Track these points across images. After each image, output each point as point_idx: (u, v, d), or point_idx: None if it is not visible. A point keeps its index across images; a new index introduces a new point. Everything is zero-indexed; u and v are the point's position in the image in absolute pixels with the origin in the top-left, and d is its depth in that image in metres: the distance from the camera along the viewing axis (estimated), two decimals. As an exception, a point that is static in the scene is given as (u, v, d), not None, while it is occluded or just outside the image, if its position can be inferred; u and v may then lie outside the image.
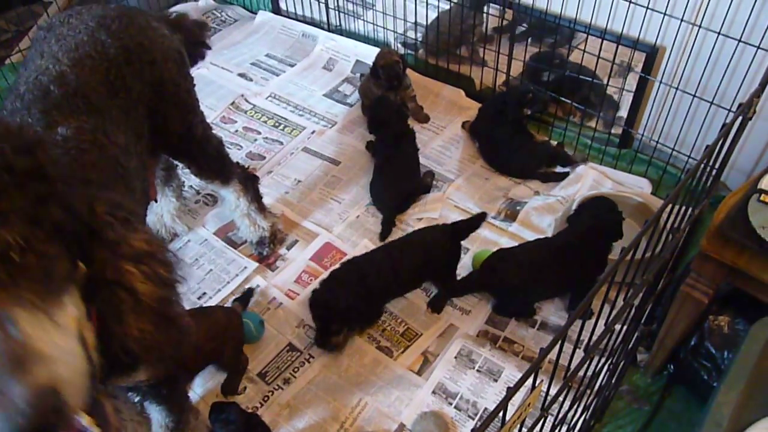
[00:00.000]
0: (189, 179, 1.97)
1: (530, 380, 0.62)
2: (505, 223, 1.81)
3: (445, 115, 2.21)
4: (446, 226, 1.57)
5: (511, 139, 1.94)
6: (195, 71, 1.39)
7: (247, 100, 2.32)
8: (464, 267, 1.68)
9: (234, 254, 1.77)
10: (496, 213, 1.84)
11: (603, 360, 0.94)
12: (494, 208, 1.85)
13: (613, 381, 1.21)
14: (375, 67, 2.08)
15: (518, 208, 1.84)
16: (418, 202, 1.87)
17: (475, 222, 1.58)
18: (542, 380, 0.67)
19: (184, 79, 1.30)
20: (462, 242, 1.63)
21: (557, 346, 0.65)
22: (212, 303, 1.62)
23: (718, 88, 1.61)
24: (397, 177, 1.85)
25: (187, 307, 1.54)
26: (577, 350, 1.16)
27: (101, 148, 0.94)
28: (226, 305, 1.58)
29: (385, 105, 1.99)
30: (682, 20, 1.61)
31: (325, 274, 1.57)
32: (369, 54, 2.42)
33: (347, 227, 1.83)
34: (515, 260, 1.53)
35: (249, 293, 1.61)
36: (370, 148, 2.05)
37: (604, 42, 1.82)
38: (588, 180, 1.88)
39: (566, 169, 1.92)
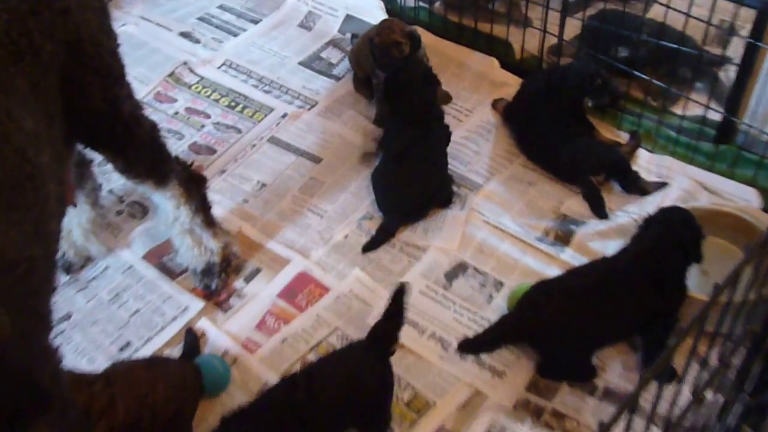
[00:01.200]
0: (108, 180, 1.99)
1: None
2: (555, 248, 1.84)
3: (472, 94, 2.25)
4: (361, 341, 1.47)
5: (561, 127, 1.99)
6: (119, 29, 1.46)
7: (191, 71, 2.37)
8: (498, 310, 1.71)
9: (170, 288, 1.79)
10: (543, 233, 1.88)
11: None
12: (540, 227, 1.89)
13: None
14: (372, 39, 2.13)
15: (574, 228, 1.88)
16: (430, 218, 1.92)
17: (394, 313, 1.43)
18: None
19: (107, 36, 1.33)
20: (495, 275, 1.65)
21: (624, 420, 0.64)
22: (140, 356, 1.64)
23: None
24: (417, 172, 1.90)
25: (106, 363, 1.55)
26: (654, 428, 1.15)
27: (1, 137, 0.95)
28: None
29: (410, 65, 2.03)
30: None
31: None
32: (365, 6, 2.48)
33: (331, 251, 1.86)
34: (564, 291, 1.55)
35: (192, 340, 1.63)
36: (380, 123, 2.11)
37: (697, -6, 1.86)
38: (674, 190, 1.92)
39: (658, 180, 1.95)
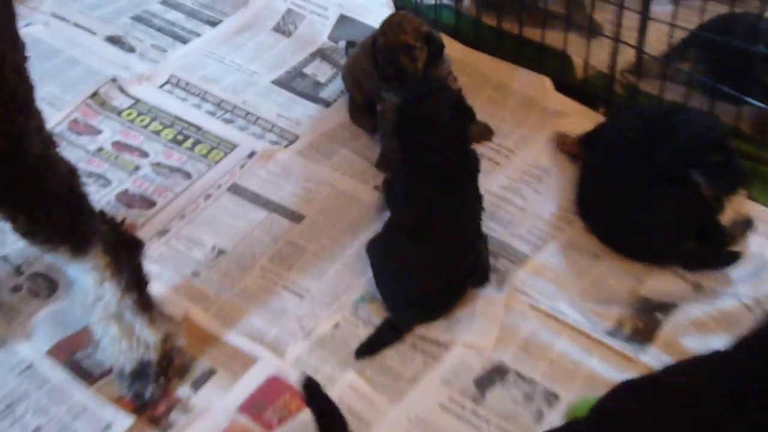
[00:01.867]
0: (2, 243, 2.03)
1: None
2: (633, 346, 1.86)
3: (515, 127, 2.31)
4: None
5: (648, 186, 2.03)
6: (25, 29, 1.50)
7: (122, 90, 2.44)
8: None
9: (86, 397, 1.79)
10: (615, 325, 1.90)
11: None
12: (611, 316, 1.91)
13: None
14: (375, 43, 2.16)
15: (659, 316, 1.91)
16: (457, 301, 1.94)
17: (325, 421, 1.48)
18: None
19: (10, 45, 1.38)
20: (547, 384, 1.67)
21: None
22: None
23: None
24: (441, 252, 1.91)
25: None
26: None
27: None
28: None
29: (435, 88, 2.05)
30: None
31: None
32: (365, 4, 2.56)
33: (315, 347, 1.88)
34: (662, 396, 1.48)
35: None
36: (386, 166, 2.14)
37: None
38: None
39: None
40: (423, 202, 1.94)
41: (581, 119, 2.35)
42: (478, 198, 2.02)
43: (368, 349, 1.87)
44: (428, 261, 1.89)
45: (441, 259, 1.89)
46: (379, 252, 1.96)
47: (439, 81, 2.11)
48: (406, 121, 2.02)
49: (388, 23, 2.14)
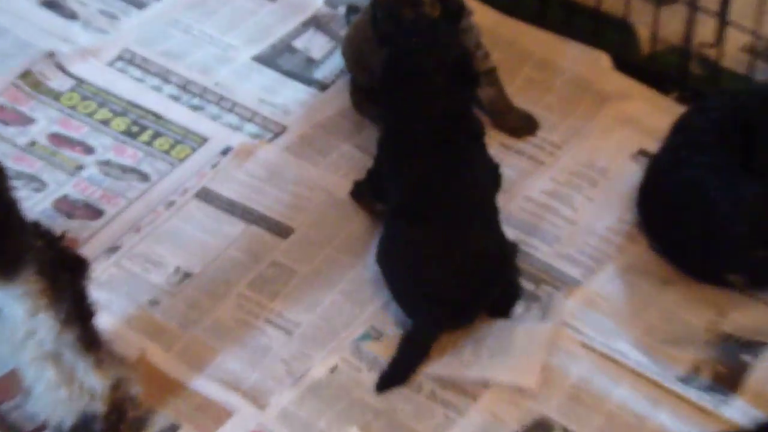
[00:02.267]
0: None
1: None
2: (713, 396, 1.86)
3: (564, 116, 2.35)
4: None
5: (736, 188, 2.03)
6: None
7: (61, 68, 2.45)
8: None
9: None
10: (690, 370, 1.91)
11: None
12: (685, 358, 1.92)
13: None
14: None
15: (747, 358, 1.92)
16: (483, 330, 1.95)
17: None
18: None
19: None
20: None
21: None
22: None
23: None
24: (454, 230, 1.94)
25: None
26: None
27: None
28: None
29: (431, 34, 2.06)
30: None
31: None
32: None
33: (306, 396, 1.88)
34: None
35: None
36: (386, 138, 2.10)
37: None
38: None
39: None
40: (416, 174, 1.98)
41: (647, 105, 2.37)
42: (489, 167, 2.05)
43: (393, 377, 1.89)
44: (437, 243, 1.92)
45: (454, 238, 1.93)
46: (384, 252, 2.00)
47: (443, 26, 2.09)
48: (392, 76, 2.04)
49: None
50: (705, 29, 2.35)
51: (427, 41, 2.04)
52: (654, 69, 2.39)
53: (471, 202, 1.98)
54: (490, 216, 2.00)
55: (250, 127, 2.35)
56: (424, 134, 2.00)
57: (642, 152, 2.29)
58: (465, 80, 2.03)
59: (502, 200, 2.09)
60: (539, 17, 2.47)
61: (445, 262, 1.92)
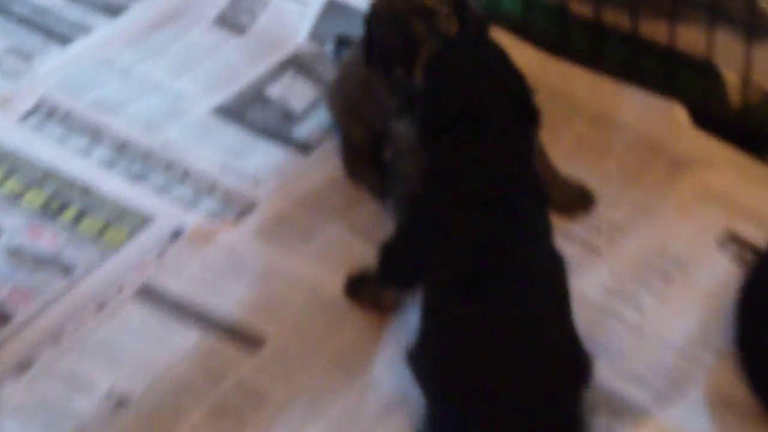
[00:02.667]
0: None
1: None
2: None
3: (626, 187, 2.15)
4: None
5: None
6: None
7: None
8: None
9: None
10: None
11: None
12: None
13: None
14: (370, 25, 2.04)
15: None
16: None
17: None
18: None
19: None
20: None
21: None
22: None
23: None
24: (518, 298, 1.74)
25: None
26: None
27: None
28: None
29: (481, 63, 1.87)
30: None
31: None
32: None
33: None
34: None
35: None
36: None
37: None
38: None
39: None
40: (471, 239, 1.77)
41: (736, 174, 2.21)
42: (549, 229, 1.86)
43: None
44: (509, 329, 1.70)
45: (528, 324, 1.72)
46: (424, 346, 1.75)
47: (491, 45, 1.93)
48: (435, 114, 1.83)
49: None
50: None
51: (482, 66, 1.86)
52: (745, 126, 2.18)
53: (541, 278, 1.77)
54: (562, 303, 1.77)
55: (209, 203, 2.15)
56: (482, 190, 1.78)
57: (731, 237, 2.09)
58: (524, 117, 1.85)
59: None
60: (594, 57, 2.29)
61: (520, 352, 1.70)
